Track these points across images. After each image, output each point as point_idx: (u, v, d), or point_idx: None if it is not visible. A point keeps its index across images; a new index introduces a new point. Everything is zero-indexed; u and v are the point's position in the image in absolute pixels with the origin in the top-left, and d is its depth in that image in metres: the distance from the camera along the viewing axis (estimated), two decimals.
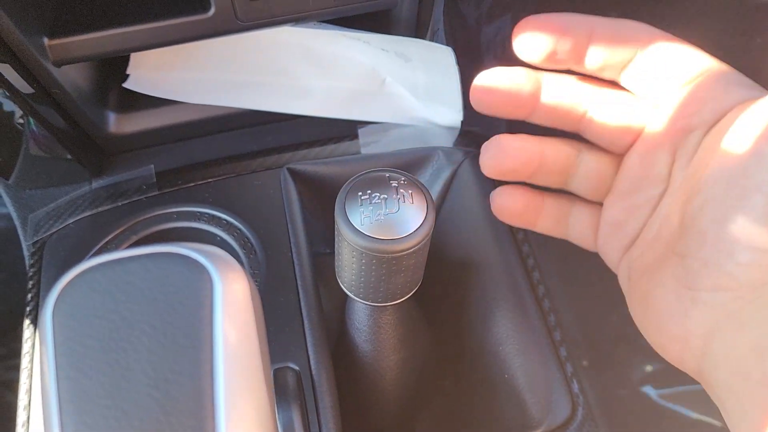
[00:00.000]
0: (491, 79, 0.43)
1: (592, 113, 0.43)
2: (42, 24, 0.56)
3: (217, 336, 0.25)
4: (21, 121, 0.64)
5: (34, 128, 0.65)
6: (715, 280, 0.34)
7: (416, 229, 0.43)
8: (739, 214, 0.33)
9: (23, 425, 0.55)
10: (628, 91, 0.42)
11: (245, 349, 0.26)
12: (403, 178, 0.46)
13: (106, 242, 0.64)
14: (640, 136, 0.42)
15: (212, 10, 0.57)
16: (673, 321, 0.37)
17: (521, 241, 0.62)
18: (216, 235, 0.65)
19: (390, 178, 0.46)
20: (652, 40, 0.39)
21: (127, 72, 0.68)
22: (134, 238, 0.65)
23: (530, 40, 0.40)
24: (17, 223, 0.71)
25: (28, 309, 0.62)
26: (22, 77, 0.57)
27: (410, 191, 0.45)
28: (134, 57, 0.68)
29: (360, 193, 0.45)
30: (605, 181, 0.45)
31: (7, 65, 0.55)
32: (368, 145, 0.70)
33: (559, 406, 0.53)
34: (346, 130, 0.70)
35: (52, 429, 0.24)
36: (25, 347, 0.60)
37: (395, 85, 0.69)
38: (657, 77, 0.39)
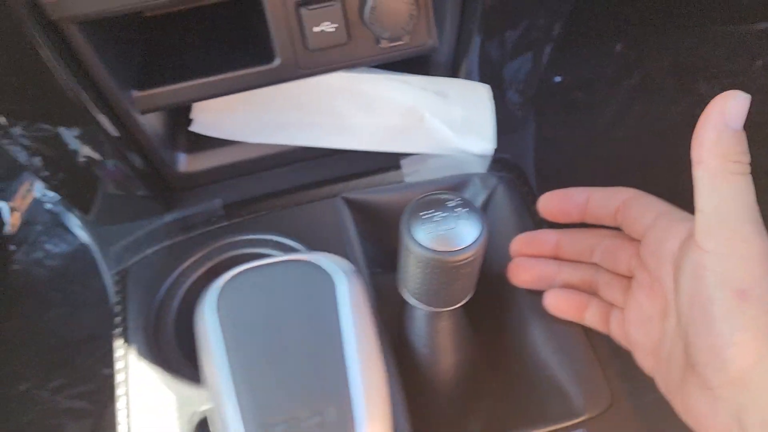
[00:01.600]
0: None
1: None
2: (130, 79, 0.65)
3: (345, 322, 0.33)
4: (86, 159, 0.71)
5: (112, 169, 0.74)
6: (721, 378, 0.43)
7: (473, 242, 0.51)
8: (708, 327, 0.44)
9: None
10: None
11: (365, 332, 0.33)
12: (458, 199, 0.54)
13: (184, 269, 0.72)
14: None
15: (277, 61, 0.66)
16: (710, 419, 0.46)
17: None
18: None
19: (446, 200, 0.54)
20: (628, 196, 0.56)
21: (191, 117, 0.76)
22: (209, 264, 0.73)
23: (550, 209, 0.61)
24: (97, 255, 0.79)
25: (119, 330, 0.69)
26: (113, 124, 0.65)
27: (465, 210, 0.53)
28: (196, 103, 0.76)
29: (421, 213, 0.53)
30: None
31: (104, 116, 0.64)
32: (410, 174, 0.78)
33: (599, 397, 0.60)
34: (390, 161, 0.78)
35: (225, 393, 0.32)
36: (119, 365, 0.67)
37: (433, 120, 0.77)
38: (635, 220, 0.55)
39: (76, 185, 0.76)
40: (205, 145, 0.77)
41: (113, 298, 0.74)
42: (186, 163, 0.76)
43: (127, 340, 0.68)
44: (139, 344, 0.67)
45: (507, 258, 0.69)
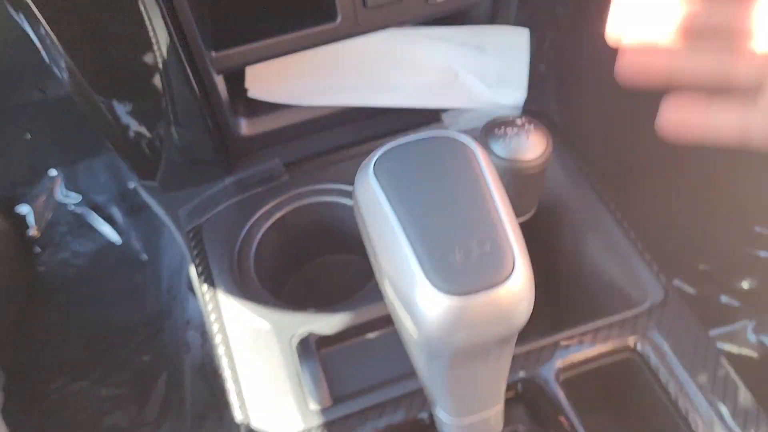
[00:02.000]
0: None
1: None
2: (208, 41, 0.72)
3: (488, 179, 0.39)
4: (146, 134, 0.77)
5: (176, 137, 0.79)
6: None
7: (542, 152, 0.59)
8: None
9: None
10: None
11: (503, 191, 0.40)
12: (525, 117, 0.62)
13: (256, 219, 0.78)
14: None
15: (339, 19, 0.73)
16: None
17: (595, 184, 0.78)
18: (345, 205, 0.79)
19: (514, 119, 0.62)
20: None
21: (246, 86, 0.83)
22: (278, 214, 0.79)
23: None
24: (166, 218, 0.84)
25: (202, 278, 0.74)
26: (198, 86, 0.72)
27: (531, 125, 0.62)
28: (249, 71, 0.83)
29: (495, 130, 0.61)
30: None
31: (192, 76, 0.70)
32: (451, 126, 0.86)
33: (654, 292, 0.69)
34: (431, 117, 0.86)
35: (397, 238, 0.37)
36: (209, 307, 0.72)
37: (467, 76, 0.85)
38: None
39: (140, 154, 0.81)
40: (260, 110, 0.84)
41: (188, 253, 0.79)
42: (246, 126, 0.83)
43: (213, 285, 0.73)
44: (227, 285, 0.73)
45: (554, 189, 0.77)
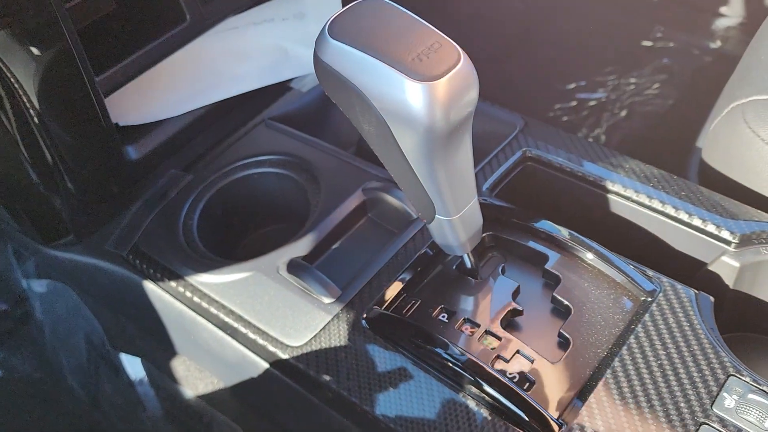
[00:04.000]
0: None
1: None
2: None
3: (410, 13, 0.55)
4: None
5: (71, 184, 0.84)
6: None
7: None
8: None
9: None
10: None
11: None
12: None
13: (187, 211, 0.85)
14: None
15: (188, 18, 0.85)
16: None
17: None
18: (263, 175, 0.90)
19: None
20: None
21: (113, 120, 0.90)
22: (207, 197, 0.86)
23: None
24: (97, 261, 0.87)
25: (165, 280, 0.80)
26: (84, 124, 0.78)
27: None
28: (110, 105, 0.89)
29: None
30: None
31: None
32: (305, 85, 1.00)
33: None
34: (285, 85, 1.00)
35: (382, 67, 0.51)
36: (189, 294, 0.78)
37: (294, 47, 1.00)
38: None
39: (44, 214, 0.84)
40: (138, 133, 0.91)
41: (134, 271, 0.83)
42: (134, 151, 0.89)
43: (180, 277, 0.79)
44: (192, 268, 0.79)
45: None
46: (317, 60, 0.55)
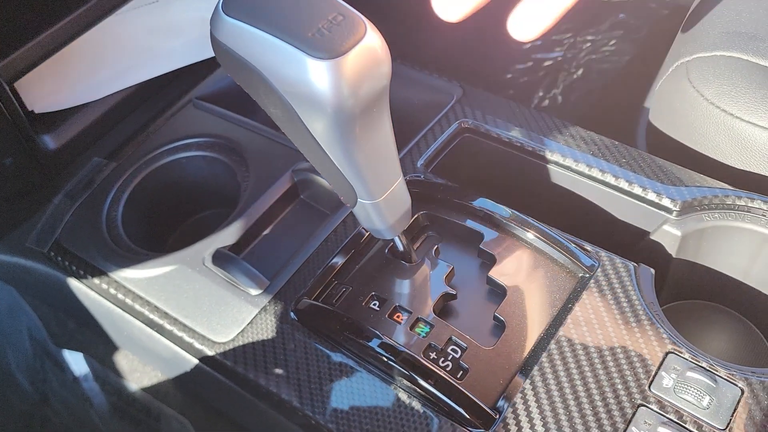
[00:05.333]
0: None
1: None
2: None
3: None
4: None
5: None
6: None
7: None
8: None
9: None
10: None
11: None
12: None
13: (110, 203, 0.80)
14: None
15: None
16: None
17: None
18: (186, 159, 0.85)
19: None
20: None
21: (29, 107, 0.84)
22: (131, 187, 0.82)
23: None
24: (18, 259, 0.82)
25: (88, 276, 0.75)
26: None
27: None
28: (23, 92, 0.83)
29: None
30: None
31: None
32: None
33: None
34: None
35: (279, 44, 0.46)
36: (113, 290, 0.73)
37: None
38: None
39: None
40: (56, 121, 0.85)
41: (60, 268, 0.79)
42: (52, 140, 0.84)
43: (103, 273, 0.75)
44: (115, 263, 0.74)
45: None
46: (213, 39, 0.50)
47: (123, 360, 0.97)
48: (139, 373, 0.96)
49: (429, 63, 0.90)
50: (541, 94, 1.50)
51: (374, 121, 0.52)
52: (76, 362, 1.03)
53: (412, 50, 0.87)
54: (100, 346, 0.96)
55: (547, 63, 1.53)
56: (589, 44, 1.55)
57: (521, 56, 1.54)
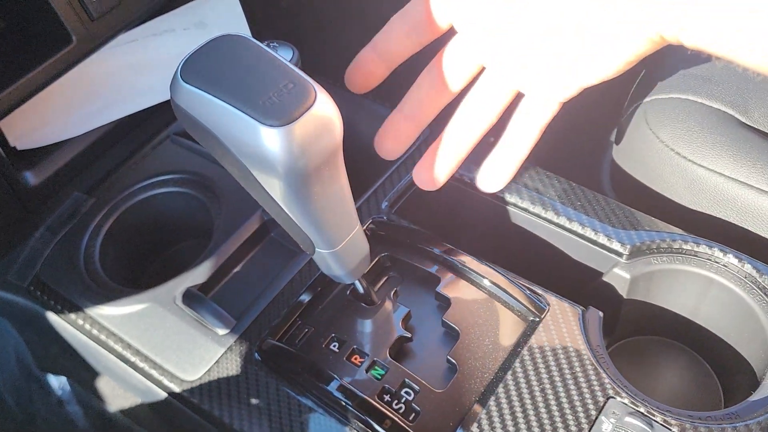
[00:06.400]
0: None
1: None
2: None
3: (264, 48, 0.53)
4: None
5: None
6: None
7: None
8: None
9: None
10: None
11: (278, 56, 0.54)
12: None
13: (88, 239, 0.83)
14: None
15: (74, 39, 0.81)
16: None
17: None
18: (163, 195, 0.88)
19: None
20: None
21: (11, 143, 0.87)
22: (108, 224, 0.85)
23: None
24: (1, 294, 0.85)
25: (66, 312, 0.78)
26: None
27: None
28: (5, 128, 0.86)
29: None
30: None
31: None
32: None
33: None
34: None
35: (223, 109, 0.49)
36: (87, 326, 0.77)
37: None
38: None
39: None
40: (37, 157, 0.88)
41: (36, 302, 0.82)
42: (33, 176, 0.87)
43: (79, 309, 0.78)
44: (92, 300, 0.78)
45: None
46: (173, 102, 0.53)
47: (104, 385, 1.00)
48: (120, 398, 0.99)
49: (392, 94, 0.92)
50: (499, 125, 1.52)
51: (328, 177, 0.55)
52: (60, 386, 1.06)
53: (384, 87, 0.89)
54: (82, 372, 0.99)
55: None
56: None
57: None
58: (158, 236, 0.90)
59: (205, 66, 0.52)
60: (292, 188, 0.53)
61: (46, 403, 1.10)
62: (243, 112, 0.49)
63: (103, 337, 0.75)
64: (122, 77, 0.94)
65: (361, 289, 0.69)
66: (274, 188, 0.53)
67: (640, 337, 0.79)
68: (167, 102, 0.95)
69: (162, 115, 0.96)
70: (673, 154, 0.79)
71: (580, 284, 0.75)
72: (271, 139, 0.49)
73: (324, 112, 0.50)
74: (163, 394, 0.73)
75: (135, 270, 0.89)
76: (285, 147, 0.49)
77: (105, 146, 0.93)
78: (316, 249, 0.61)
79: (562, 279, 0.73)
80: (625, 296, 0.73)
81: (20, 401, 1.15)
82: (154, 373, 0.71)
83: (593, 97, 1.44)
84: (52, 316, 0.80)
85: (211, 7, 0.98)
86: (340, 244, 0.61)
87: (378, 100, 0.92)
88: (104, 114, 0.92)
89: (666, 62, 0.90)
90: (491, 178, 0.70)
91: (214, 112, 0.51)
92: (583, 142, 1.32)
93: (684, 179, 0.79)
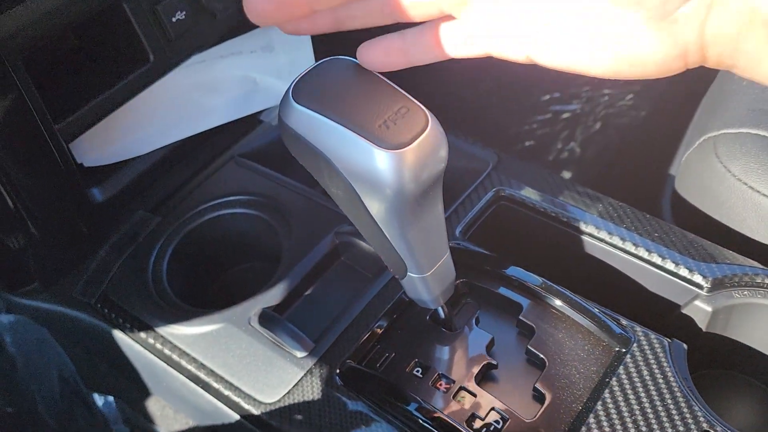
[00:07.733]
0: None
1: None
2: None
3: (376, 74, 0.53)
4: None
5: (36, 231, 0.82)
6: None
7: None
8: None
9: None
10: None
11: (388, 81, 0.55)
12: None
13: (155, 258, 0.83)
14: None
15: (151, 58, 0.82)
16: None
17: None
18: (230, 216, 0.88)
19: None
20: None
21: (79, 160, 0.88)
22: (173, 246, 0.85)
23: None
24: (63, 309, 0.85)
25: (135, 331, 0.78)
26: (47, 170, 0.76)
27: None
28: (72, 146, 0.87)
29: None
30: None
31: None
32: (273, 119, 0.98)
33: None
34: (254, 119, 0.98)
35: (340, 132, 0.49)
36: (159, 345, 0.76)
37: (264, 78, 0.99)
38: None
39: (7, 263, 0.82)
40: (103, 174, 0.88)
41: (102, 319, 0.81)
42: (100, 192, 0.87)
43: (150, 328, 0.77)
44: (162, 319, 0.77)
45: None
46: (282, 123, 0.53)
47: (154, 406, 0.99)
48: (170, 419, 0.98)
49: (454, 119, 0.93)
50: (559, 146, 1.53)
51: (430, 201, 0.55)
52: (107, 405, 1.05)
53: (440, 109, 0.90)
54: (133, 391, 0.98)
55: (565, 115, 1.57)
56: (606, 98, 1.59)
57: (540, 108, 1.58)
58: (224, 256, 0.90)
59: (316, 88, 0.53)
60: (397, 211, 0.53)
61: (89, 422, 1.08)
62: (359, 134, 0.50)
63: (174, 356, 0.75)
64: (189, 97, 0.95)
65: (442, 315, 0.68)
66: (379, 209, 0.53)
67: (712, 371, 0.78)
68: (231, 123, 0.96)
69: (226, 135, 0.96)
70: (746, 187, 0.80)
71: (657, 316, 0.74)
72: (385, 162, 0.49)
73: (435, 138, 0.51)
74: (233, 417, 0.72)
75: (199, 289, 0.88)
76: (398, 170, 0.50)
77: (168, 166, 0.93)
78: (408, 273, 0.61)
79: (638, 309, 0.73)
80: (704, 329, 0.73)
81: (60, 419, 1.13)
82: (231, 394, 0.70)
83: (650, 128, 1.46)
84: (118, 334, 0.80)
85: (279, 31, 0.98)
86: (431, 269, 0.61)
87: None
88: (170, 133, 0.93)
89: (730, 95, 0.91)
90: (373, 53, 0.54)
91: (327, 134, 0.51)
92: (637, 167, 1.33)
93: (757, 213, 0.79)
